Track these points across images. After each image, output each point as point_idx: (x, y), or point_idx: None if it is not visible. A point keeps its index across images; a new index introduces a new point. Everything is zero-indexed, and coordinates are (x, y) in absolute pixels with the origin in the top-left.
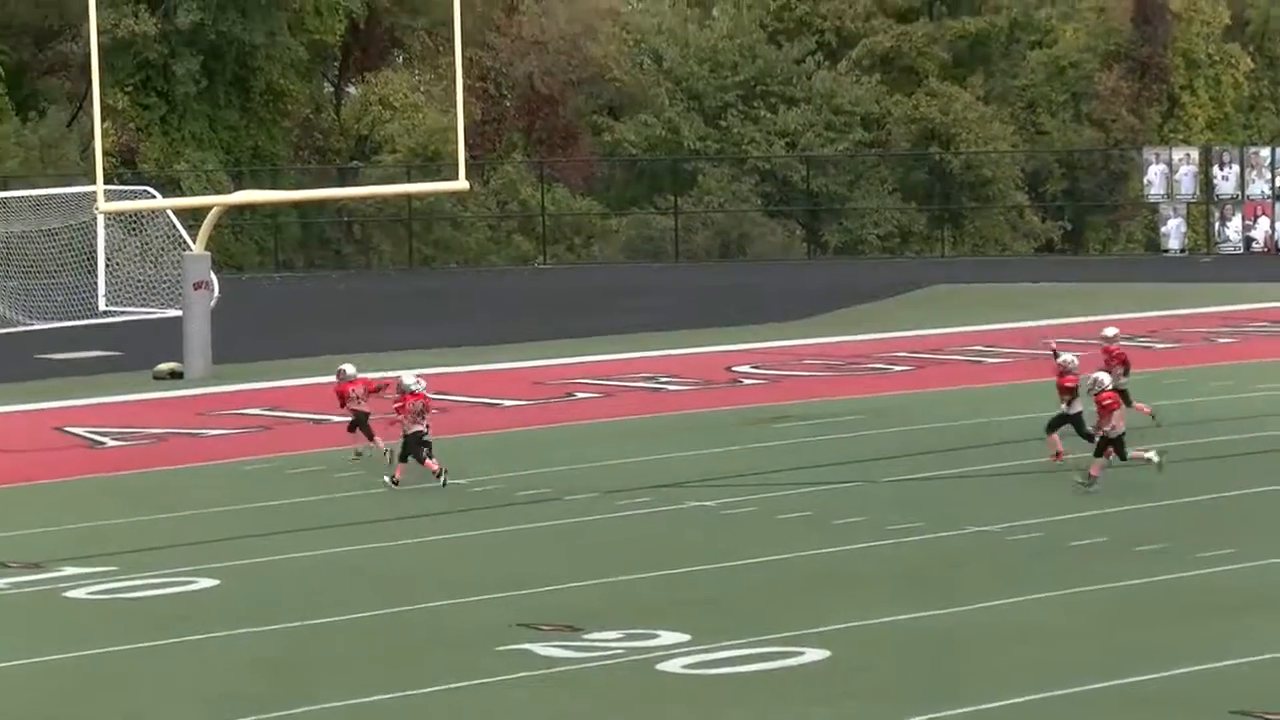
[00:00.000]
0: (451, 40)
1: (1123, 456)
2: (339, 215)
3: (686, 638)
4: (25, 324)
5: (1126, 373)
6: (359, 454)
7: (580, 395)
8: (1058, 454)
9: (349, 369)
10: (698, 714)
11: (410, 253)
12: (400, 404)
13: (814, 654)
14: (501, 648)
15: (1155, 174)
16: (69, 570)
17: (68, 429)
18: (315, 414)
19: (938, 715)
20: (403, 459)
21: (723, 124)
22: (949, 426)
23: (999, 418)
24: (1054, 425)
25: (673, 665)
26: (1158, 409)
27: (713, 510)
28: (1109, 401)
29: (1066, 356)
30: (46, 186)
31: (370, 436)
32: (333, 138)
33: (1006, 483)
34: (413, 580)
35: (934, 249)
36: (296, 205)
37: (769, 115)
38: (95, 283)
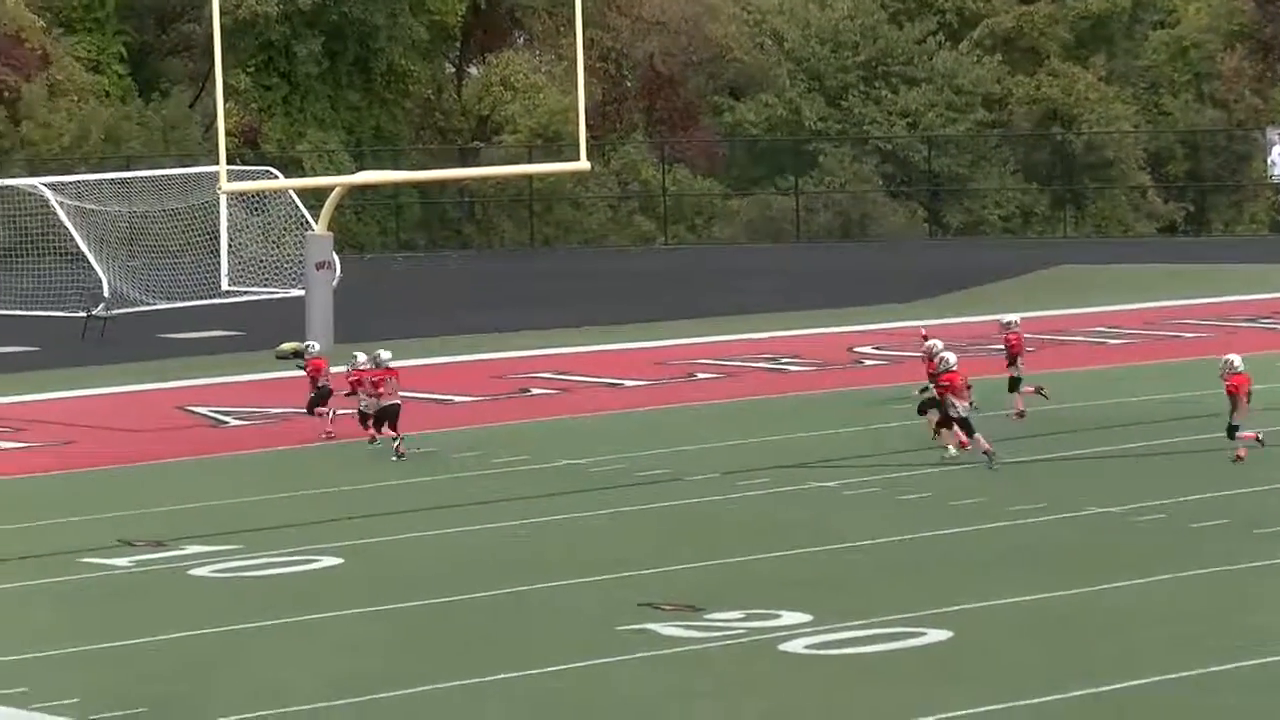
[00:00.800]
0: (573, 21)
1: (969, 435)
2: (460, 196)
3: (808, 618)
4: (148, 304)
5: (1013, 362)
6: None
7: (701, 376)
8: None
9: (361, 357)
10: (819, 694)
11: (531, 233)
12: (379, 379)
13: (936, 635)
14: (623, 628)
15: (1278, 154)
16: (193, 549)
17: (191, 408)
18: (436, 394)
19: (1059, 697)
20: (379, 427)
21: (844, 104)
22: (1070, 408)
23: (1120, 399)
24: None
25: (794, 645)
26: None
27: (834, 491)
28: (946, 383)
29: (933, 344)
30: (169, 167)
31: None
32: (454, 118)
33: (1128, 464)
34: (534, 560)
35: (1056, 230)
36: (418, 186)
37: (890, 95)
38: (218, 263)
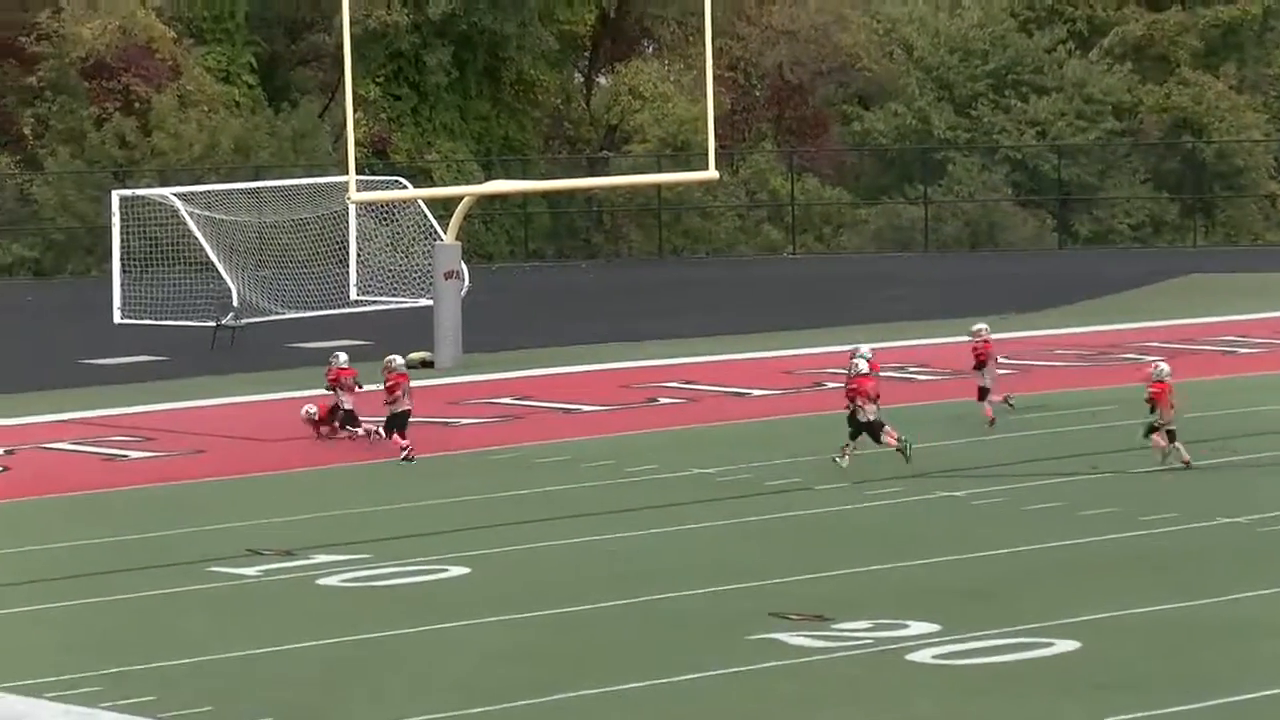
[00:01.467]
0: (702, 30)
1: (876, 439)
2: (589, 205)
3: (936, 628)
4: (277, 313)
5: (980, 368)
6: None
7: (830, 385)
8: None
9: (397, 360)
10: (947, 705)
11: (659, 242)
12: (393, 384)
13: (1064, 645)
14: (751, 637)
15: None
16: (321, 558)
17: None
18: (564, 403)
19: (1188, 708)
20: (389, 434)
21: (973, 113)
22: (1201, 417)
23: (1250, 408)
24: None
25: (922, 656)
26: None
27: (962, 500)
28: (855, 388)
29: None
30: (299, 177)
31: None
32: (583, 128)
33: (1259, 474)
34: (662, 569)
35: (1186, 239)
36: (546, 195)
37: (1020, 104)
38: (346, 272)
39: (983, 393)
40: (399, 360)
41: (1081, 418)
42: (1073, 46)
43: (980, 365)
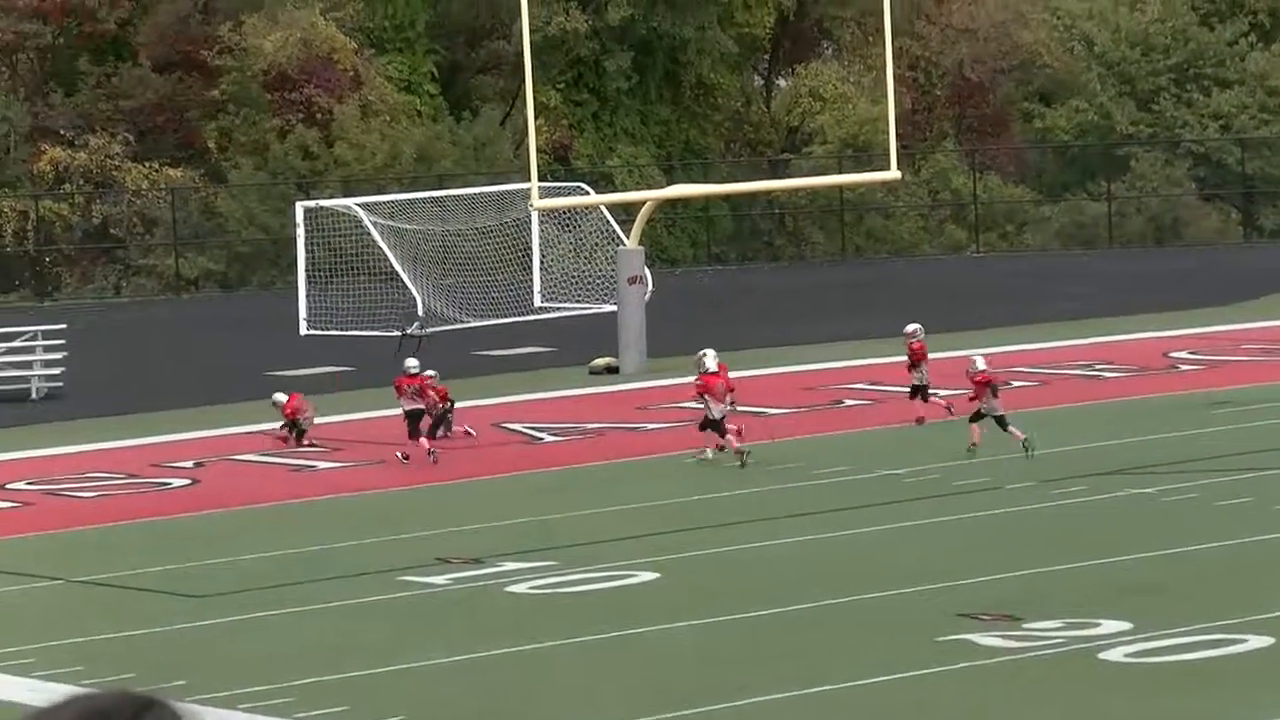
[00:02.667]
0: (881, 30)
1: (721, 434)
2: (770, 207)
3: (1128, 626)
4: (462, 321)
5: (915, 367)
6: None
7: (1016, 384)
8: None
9: (411, 363)
10: (1139, 703)
11: (842, 243)
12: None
13: (1258, 641)
14: (942, 638)
15: None
16: (509, 565)
17: (506, 425)
18: (752, 406)
19: None
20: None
21: (1155, 108)
22: None
23: None
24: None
25: (1114, 654)
26: None
27: (1151, 497)
28: (703, 383)
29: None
30: (481, 185)
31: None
32: (763, 130)
33: None
34: (851, 570)
35: None
36: (728, 198)
37: (1202, 98)
38: (530, 279)
39: (915, 390)
40: (410, 362)
41: (1269, 412)
42: (1255, 39)
43: (915, 364)
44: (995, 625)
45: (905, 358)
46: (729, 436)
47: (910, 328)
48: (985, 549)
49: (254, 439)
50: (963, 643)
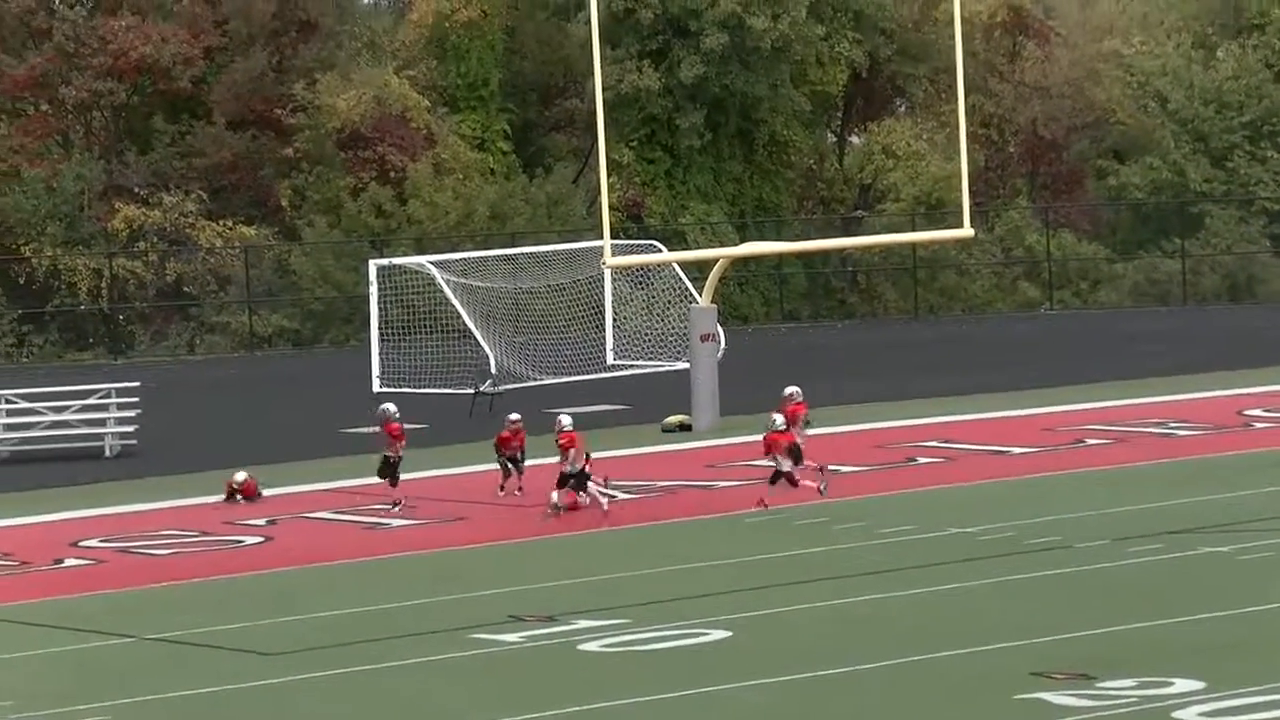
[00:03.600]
0: (954, 87)
1: (582, 488)
2: (844, 265)
3: (1201, 685)
4: (535, 379)
5: (806, 424)
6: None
7: (1090, 441)
8: None
9: (390, 407)
10: None
11: (915, 301)
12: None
13: None
14: (1016, 696)
15: None
16: (582, 623)
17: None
18: (825, 464)
19: None
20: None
21: (1229, 165)
22: None
23: None
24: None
25: (1188, 714)
26: None
27: (1227, 556)
28: (565, 441)
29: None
30: (554, 242)
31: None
32: (836, 187)
33: None
34: (923, 629)
35: None
36: (801, 256)
37: (1276, 155)
38: (603, 337)
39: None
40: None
41: None
42: None
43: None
44: (1069, 684)
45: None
46: (590, 488)
47: (788, 391)
48: (1058, 607)
49: (327, 496)
50: (1036, 702)
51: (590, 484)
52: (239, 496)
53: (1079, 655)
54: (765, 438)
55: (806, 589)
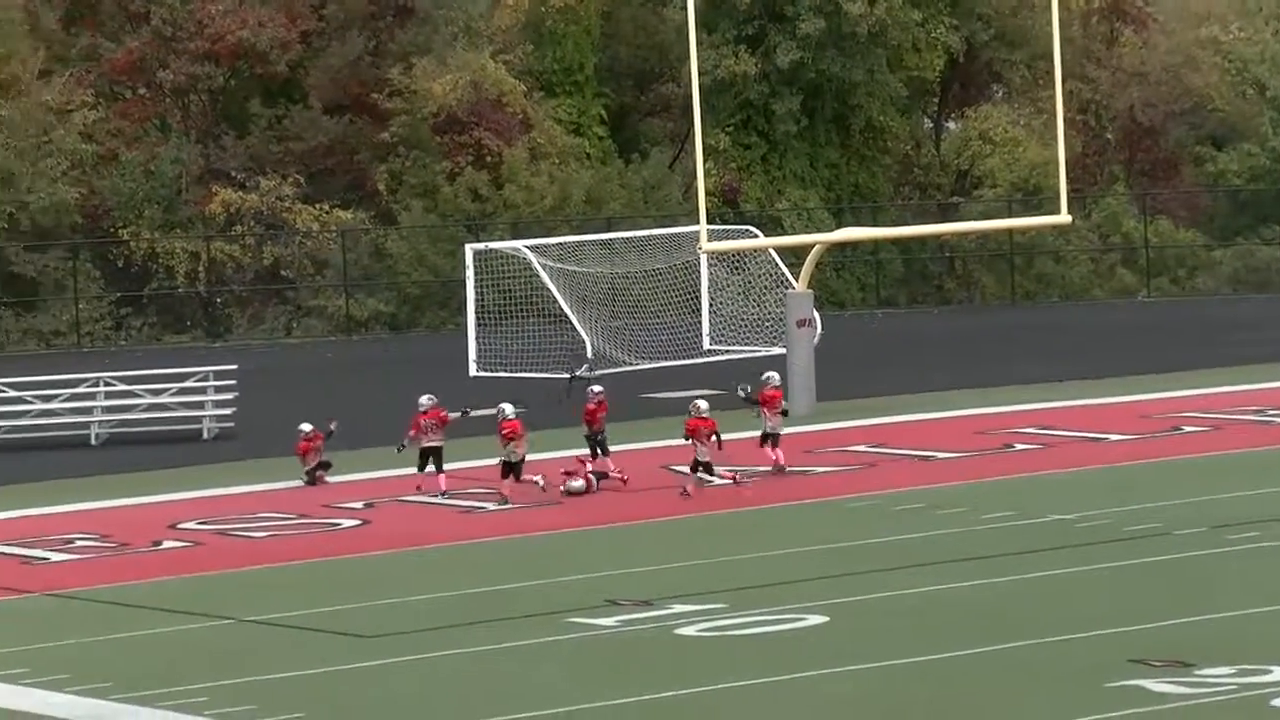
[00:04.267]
0: (1051, 73)
1: (517, 477)
2: (940, 251)
3: None
4: (631, 364)
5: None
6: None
7: (1187, 429)
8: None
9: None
10: None
11: (1012, 287)
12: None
13: None
14: (1112, 684)
15: None
16: (678, 607)
17: (674, 467)
18: (919, 450)
19: None
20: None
21: None
22: None
23: None
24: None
25: None
26: None
27: None
28: (508, 431)
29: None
30: (649, 227)
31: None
32: (933, 173)
33: None
34: (1021, 616)
35: None
36: (898, 242)
37: None
38: (698, 322)
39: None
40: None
41: None
42: None
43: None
44: (1167, 671)
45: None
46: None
47: (768, 375)
48: (1156, 594)
49: (424, 480)
50: (1134, 688)
51: (713, 470)
52: (319, 472)
53: (1177, 642)
54: (686, 423)
55: (904, 575)
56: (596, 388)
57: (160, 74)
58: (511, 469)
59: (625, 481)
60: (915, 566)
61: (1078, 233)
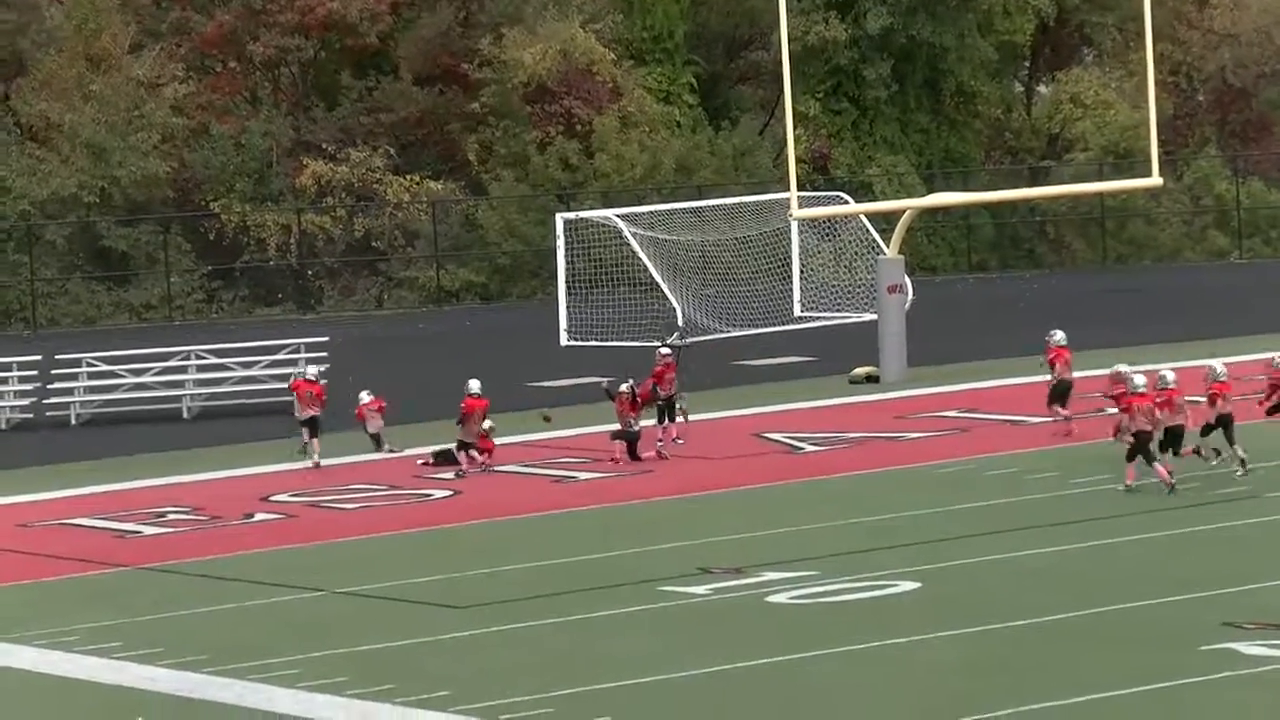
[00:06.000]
0: (1142, 35)
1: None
2: (1031, 215)
3: None
4: (722, 331)
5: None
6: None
7: None
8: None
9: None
10: None
11: (1103, 251)
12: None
13: None
14: (1205, 647)
15: None
16: (770, 575)
17: (766, 435)
18: (1011, 415)
19: None
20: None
21: None
22: None
23: None
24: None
25: None
26: None
27: None
28: (465, 408)
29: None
30: (740, 195)
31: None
32: (1024, 137)
33: None
34: (1112, 581)
35: None
36: (989, 206)
37: None
38: (790, 289)
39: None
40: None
41: None
42: None
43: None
44: (1260, 634)
45: (1147, 366)
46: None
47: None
48: (1248, 557)
49: (515, 450)
50: (1227, 652)
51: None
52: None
53: (1271, 606)
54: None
55: (995, 540)
56: (664, 350)
57: (250, 47)
58: (467, 447)
59: (664, 459)
60: (1007, 531)
61: (1169, 195)
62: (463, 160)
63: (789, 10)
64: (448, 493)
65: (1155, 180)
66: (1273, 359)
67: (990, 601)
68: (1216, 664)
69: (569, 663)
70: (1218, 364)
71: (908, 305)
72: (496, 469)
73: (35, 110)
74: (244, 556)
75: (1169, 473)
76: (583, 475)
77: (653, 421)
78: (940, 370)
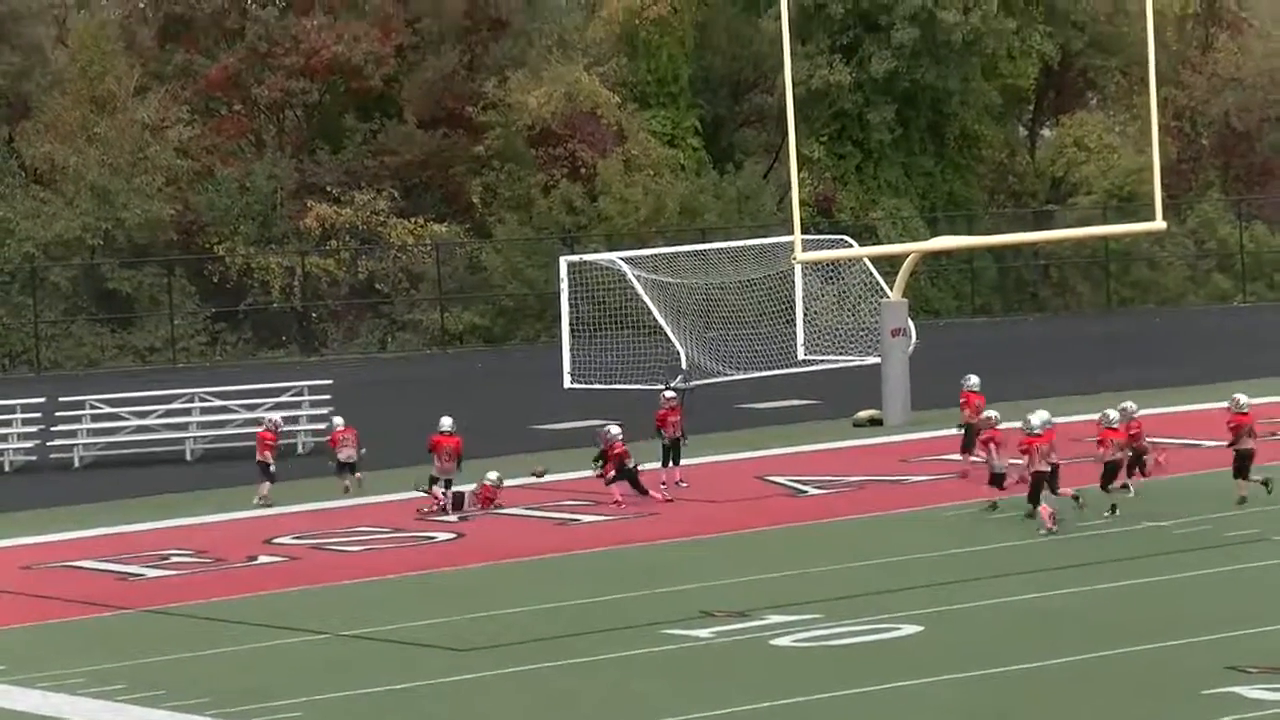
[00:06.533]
0: (1146, 80)
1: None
2: (1035, 258)
3: None
4: (726, 374)
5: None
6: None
7: None
8: None
9: (614, 430)
10: None
11: (1108, 294)
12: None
13: None
14: (1208, 691)
15: None
16: (774, 618)
17: (770, 478)
18: (1013, 458)
19: None
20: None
21: None
22: None
23: None
24: None
25: None
26: None
27: None
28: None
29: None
30: (744, 238)
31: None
32: (1027, 181)
33: None
34: (1117, 624)
35: None
36: (992, 250)
37: None
38: (793, 332)
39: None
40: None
41: None
42: None
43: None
44: (1264, 679)
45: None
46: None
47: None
48: (1255, 601)
49: (519, 493)
50: (1229, 695)
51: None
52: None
53: (1275, 649)
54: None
55: (998, 584)
56: (669, 393)
57: (255, 90)
58: (438, 481)
59: (669, 501)
60: (1010, 575)
61: (1173, 239)
62: (467, 203)
63: (793, 54)
64: (451, 535)
65: (1159, 224)
66: (1236, 400)
67: (993, 645)
68: (1219, 709)
69: (572, 706)
70: (1241, 396)
71: (911, 349)
72: (499, 511)
73: (40, 153)
74: (247, 599)
75: (1051, 515)
76: (586, 518)
77: (656, 464)
78: (945, 414)
